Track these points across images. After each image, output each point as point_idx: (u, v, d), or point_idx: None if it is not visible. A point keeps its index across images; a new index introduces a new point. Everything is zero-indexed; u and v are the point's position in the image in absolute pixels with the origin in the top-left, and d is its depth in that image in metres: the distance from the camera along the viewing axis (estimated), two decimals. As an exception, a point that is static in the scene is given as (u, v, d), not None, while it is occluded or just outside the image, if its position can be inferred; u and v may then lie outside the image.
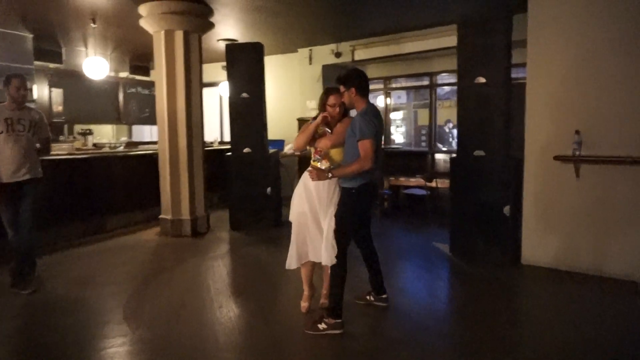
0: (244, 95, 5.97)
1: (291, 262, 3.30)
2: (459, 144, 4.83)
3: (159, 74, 5.76)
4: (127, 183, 6.34)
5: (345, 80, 3.12)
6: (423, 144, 8.36)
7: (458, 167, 4.82)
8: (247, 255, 5.14)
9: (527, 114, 4.43)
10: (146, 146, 7.94)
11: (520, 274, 4.35)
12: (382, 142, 3.18)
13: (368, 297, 3.55)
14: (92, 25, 6.27)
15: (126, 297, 3.85)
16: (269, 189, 6.08)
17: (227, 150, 7.57)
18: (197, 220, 5.91)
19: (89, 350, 2.93)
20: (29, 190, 3.89)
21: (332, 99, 3.21)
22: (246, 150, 6.03)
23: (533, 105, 4.39)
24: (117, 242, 5.65)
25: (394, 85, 8.43)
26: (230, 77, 6.06)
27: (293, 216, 3.32)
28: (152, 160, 6.57)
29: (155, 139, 9.72)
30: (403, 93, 10.42)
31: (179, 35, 5.65)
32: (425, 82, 8.01)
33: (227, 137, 9.81)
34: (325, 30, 7.41)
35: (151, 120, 9.59)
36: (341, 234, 3.08)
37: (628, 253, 4.00)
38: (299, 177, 8.51)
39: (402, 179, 6.99)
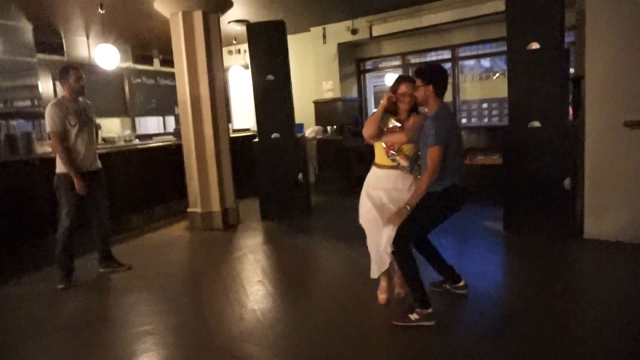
0: (270, 77, 5.62)
1: (373, 272, 3.09)
2: (510, 115, 4.54)
3: (178, 59, 5.38)
4: (148, 177, 6.00)
5: (425, 75, 2.83)
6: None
7: (511, 140, 4.55)
8: (289, 246, 4.84)
9: (587, 80, 4.16)
10: (159, 138, 7.56)
11: (584, 249, 4.12)
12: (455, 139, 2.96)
13: (444, 286, 3.30)
14: (100, 11, 5.84)
15: (179, 298, 3.56)
16: (300, 175, 5.78)
17: (244, 138, 7.28)
18: (227, 211, 5.60)
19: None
20: (101, 180, 3.98)
21: (403, 87, 2.91)
22: (274, 135, 5.70)
23: (593, 69, 4.10)
24: (147, 239, 5.33)
25: (412, 61, 8.09)
26: (253, 59, 5.68)
27: (362, 219, 3.07)
28: (170, 152, 6.27)
29: (162, 130, 9.38)
30: (410, 72, 10.09)
31: (197, 16, 5.28)
32: (447, 56, 7.69)
33: (237, 125, 9.45)
34: (339, 7, 7.04)
35: (158, 111, 9.19)
36: (409, 233, 2.85)
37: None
38: (318, 161, 8.37)
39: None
